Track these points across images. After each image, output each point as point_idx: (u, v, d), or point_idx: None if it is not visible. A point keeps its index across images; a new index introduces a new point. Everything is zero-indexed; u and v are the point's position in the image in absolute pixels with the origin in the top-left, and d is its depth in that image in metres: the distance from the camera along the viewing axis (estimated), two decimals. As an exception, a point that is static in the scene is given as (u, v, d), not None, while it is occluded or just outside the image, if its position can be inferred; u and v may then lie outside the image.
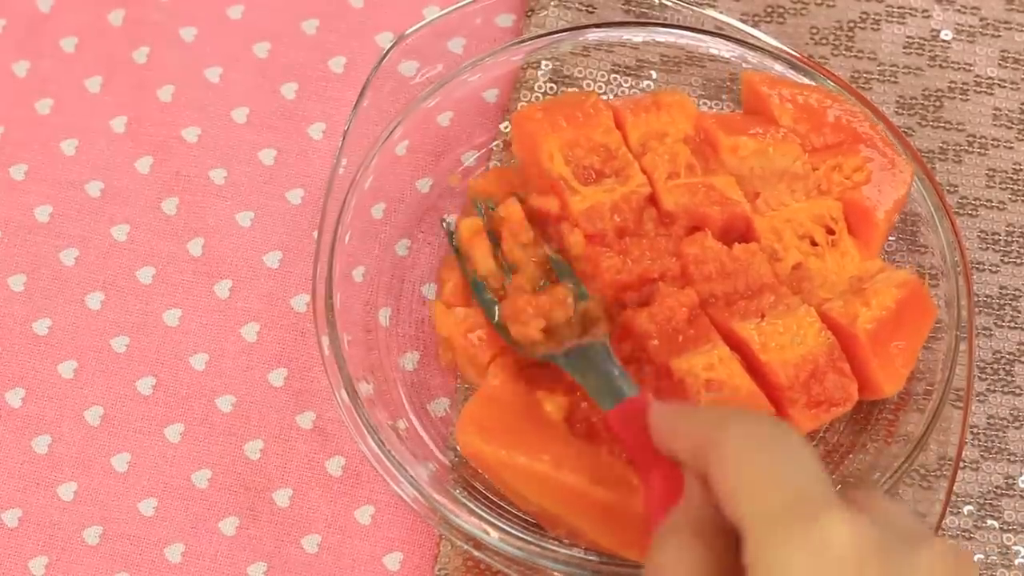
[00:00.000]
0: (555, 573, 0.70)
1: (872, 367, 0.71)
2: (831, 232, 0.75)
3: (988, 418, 0.76)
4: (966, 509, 0.75)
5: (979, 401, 0.77)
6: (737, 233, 0.75)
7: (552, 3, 0.83)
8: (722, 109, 0.80)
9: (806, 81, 0.78)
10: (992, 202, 0.80)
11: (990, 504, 0.75)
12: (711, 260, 0.73)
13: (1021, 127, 0.82)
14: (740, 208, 0.74)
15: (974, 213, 0.80)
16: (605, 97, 0.81)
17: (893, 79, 0.83)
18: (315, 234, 0.76)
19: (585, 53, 0.81)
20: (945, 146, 0.81)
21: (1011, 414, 0.76)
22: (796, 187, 0.75)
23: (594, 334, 0.71)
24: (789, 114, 0.76)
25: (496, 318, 0.73)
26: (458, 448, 0.73)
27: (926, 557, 0.55)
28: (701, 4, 0.82)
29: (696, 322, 0.72)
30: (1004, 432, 0.76)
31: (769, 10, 0.84)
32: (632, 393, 0.67)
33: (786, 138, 0.75)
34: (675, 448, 0.60)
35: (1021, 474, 0.75)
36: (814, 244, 0.75)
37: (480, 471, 0.72)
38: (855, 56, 0.83)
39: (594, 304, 0.73)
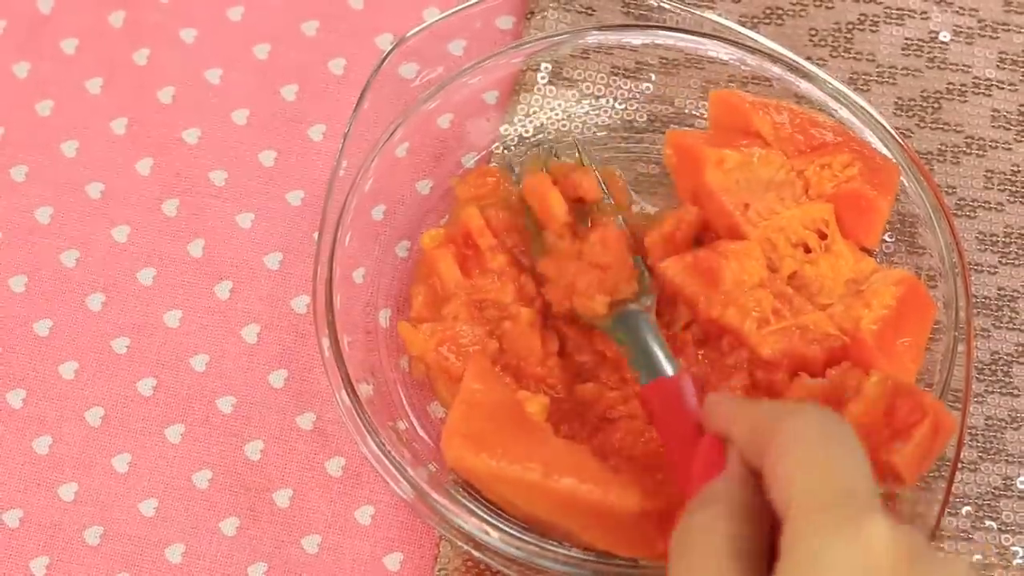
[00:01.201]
0: (555, 573, 0.70)
1: (882, 367, 0.71)
2: (823, 236, 0.75)
3: (986, 419, 0.76)
4: (964, 510, 0.75)
5: (977, 402, 0.77)
6: (835, 360, 0.73)
7: (552, 5, 0.83)
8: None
9: (804, 84, 0.78)
10: (990, 203, 0.81)
11: (988, 505, 0.75)
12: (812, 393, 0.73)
13: (1019, 128, 0.82)
14: (840, 341, 0.73)
15: (972, 215, 0.80)
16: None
17: (891, 81, 0.83)
18: (315, 235, 0.76)
19: (584, 55, 0.81)
20: (943, 147, 0.81)
21: (1009, 415, 0.76)
22: (784, 195, 0.76)
23: (639, 301, 0.72)
24: (769, 123, 0.76)
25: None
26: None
27: (962, 569, 0.55)
28: (700, 6, 0.82)
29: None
30: (1002, 433, 0.76)
31: (768, 12, 0.84)
32: (671, 371, 0.68)
33: (768, 147, 0.76)
34: (731, 430, 0.61)
35: (1019, 475, 0.76)
36: (808, 251, 0.75)
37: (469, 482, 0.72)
38: (854, 58, 0.83)
39: (643, 271, 0.73)
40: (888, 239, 0.77)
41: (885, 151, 0.76)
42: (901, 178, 0.76)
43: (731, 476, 0.60)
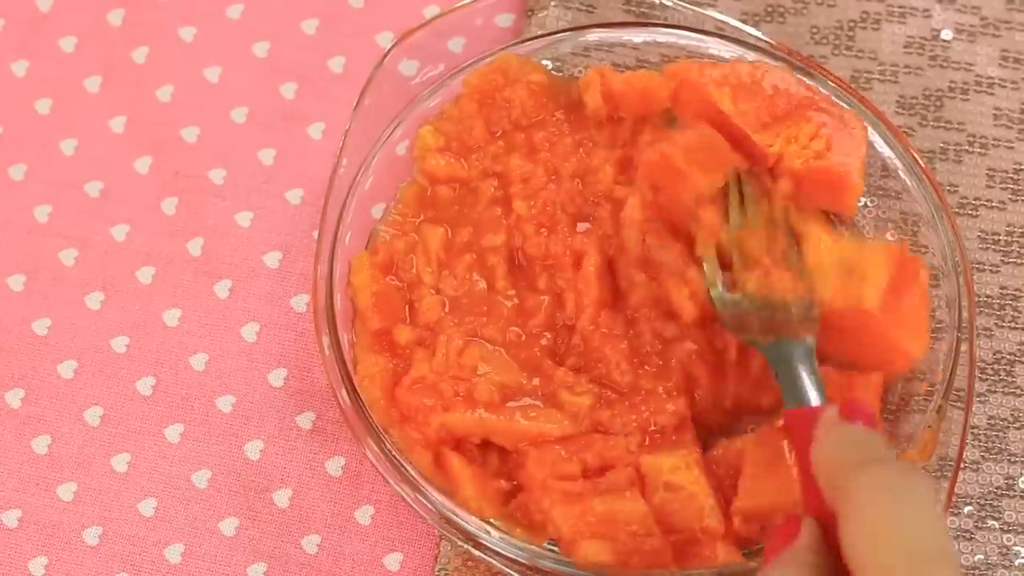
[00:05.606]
0: (556, 573, 0.70)
1: (894, 335, 0.72)
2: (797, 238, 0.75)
3: (989, 419, 0.76)
4: (966, 510, 0.75)
5: (980, 402, 0.76)
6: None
7: (552, 3, 0.83)
8: None
9: (806, 80, 0.77)
10: (992, 202, 0.80)
11: (990, 505, 0.75)
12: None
13: (1022, 127, 0.82)
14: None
15: (974, 213, 0.80)
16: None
17: (893, 79, 0.83)
18: (315, 234, 0.76)
19: (585, 53, 0.81)
20: (945, 146, 0.81)
21: (1012, 415, 0.76)
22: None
23: (800, 333, 0.71)
24: (728, 97, 0.75)
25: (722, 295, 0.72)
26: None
27: None
28: (701, 4, 0.82)
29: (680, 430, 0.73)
30: (1005, 433, 0.76)
31: (769, 10, 0.84)
32: (815, 401, 0.67)
33: (730, 123, 0.74)
34: (818, 476, 0.61)
35: (1021, 475, 0.75)
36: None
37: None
38: (855, 56, 0.83)
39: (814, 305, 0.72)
40: (891, 238, 0.77)
41: (889, 151, 0.76)
42: (903, 176, 0.76)
43: (802, 544, 0.59)
